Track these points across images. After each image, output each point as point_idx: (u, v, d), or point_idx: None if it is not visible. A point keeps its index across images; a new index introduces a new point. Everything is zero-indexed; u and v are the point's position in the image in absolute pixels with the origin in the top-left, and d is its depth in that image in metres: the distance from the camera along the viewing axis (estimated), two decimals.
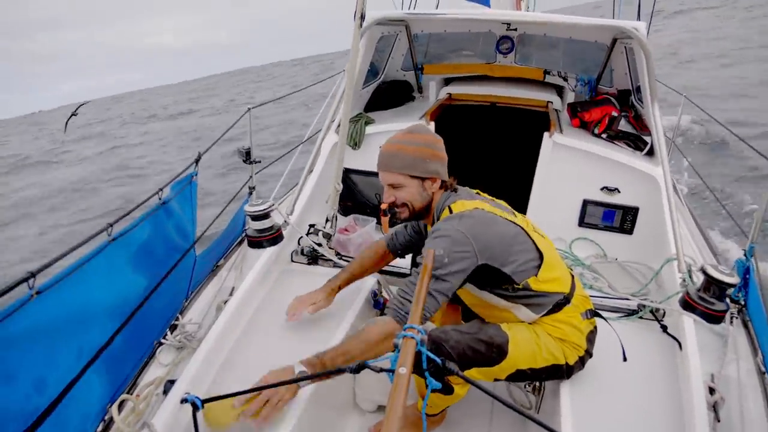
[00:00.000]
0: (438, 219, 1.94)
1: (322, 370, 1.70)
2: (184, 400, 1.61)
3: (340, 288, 2.36)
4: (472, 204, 1.86)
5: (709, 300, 2.06)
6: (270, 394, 1.70)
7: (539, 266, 1.87)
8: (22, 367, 1.54)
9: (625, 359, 2.04)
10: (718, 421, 1.95)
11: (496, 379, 1.95)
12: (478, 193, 2.06)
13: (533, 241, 1.89)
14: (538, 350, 1.90)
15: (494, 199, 2.06)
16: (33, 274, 1.48)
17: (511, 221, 1.88)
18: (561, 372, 1.97)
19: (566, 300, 1.93)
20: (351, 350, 1.73)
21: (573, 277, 2.04)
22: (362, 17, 2.53)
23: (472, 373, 1.87)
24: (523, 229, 1.89)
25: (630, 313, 2.51)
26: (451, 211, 1.87)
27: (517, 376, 1.95)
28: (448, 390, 1.97)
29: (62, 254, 1.71)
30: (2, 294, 1.35)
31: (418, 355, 1.27)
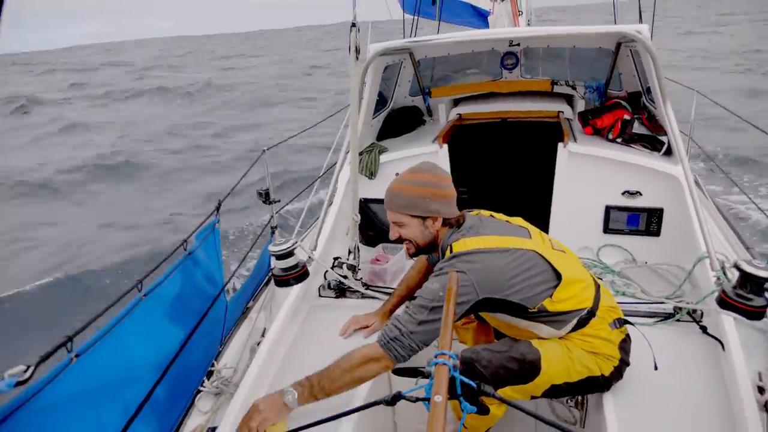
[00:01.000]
0: (443, 256, 1.98)
1: (309, 391, 1.81)
2: None
3: (391, 311, 2.50)
4: (473, 243, 1.88)
5: (747, 296, 2.02)
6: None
7: (555, 287, 1.86)
8: (61, 429, 1.56)
9: (656, 368, 1.98)
10: None
11: (533, 397, 1.94)
12: (491, 215, 2.08)
13: (549, 262, 1.88)
14: (571, 364, 1.88)
15: (509, 219, 2.07)
16: (70, 338, 1.52)
17: (519, 248, 1.87)
18: (598, 384, 1.94)
19: (591, 314, 1.91)
20: (332, 373, 1.82)
21: (599, 288, 2.01)
22: (357, 51, 2.57)
23: (507, 392, 1.87)
24: (537, 252, 1.89)
25: (667, 316, 2.45)
26: (452, 250, 1.89)
27: (554, 392, 1.92)
28: (483, 410, 1.95)
29: (96, 315, 1.74)
30: (43, 360, 1.38)
31: (452, 379, 1.27)
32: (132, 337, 1.95)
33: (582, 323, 1.90)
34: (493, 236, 1.90)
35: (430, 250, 2.09)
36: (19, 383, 1.18)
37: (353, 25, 2.46)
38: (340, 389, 1.82)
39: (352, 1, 2.42)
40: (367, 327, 2.50)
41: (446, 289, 1.72)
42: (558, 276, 1.87)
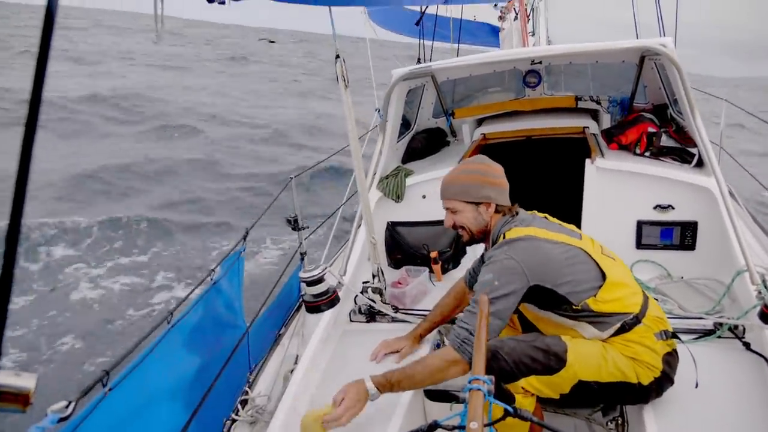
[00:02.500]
0: (494, 245, 2.04)
1: (389, 389, 1.89)
2: None
3: (422, 336, 2.54)
4: (525, 231, 1.94)
5: None
6: (342, 412, 1.85)
7: (600, 287, 1.88)
8: None
9: (697, 385, 1.93)
10: None
11: (562, 395, 1.92)
12: (546, 217, 2.13)
13: (596, 262, 1.91)
14: (604, 363, 1.87)
15: (562, 223, 2.12)
16: (107, 372, 1.55)
17: (570, 244, 1.92)
18: (634, 392, 1.91)
19: (636, 320, 1.90)
20: (415, 375, 1.88)
21: (647, 298, 2.00)
22: (345, 80, 2.62)
23: (533, 383, 1.88)
24: (585, 251, 1.93)
25: (707, 333, 2.39)
26: (504, 238, 1.96)
27: (584, 390, 1.90)
28: (507, 399, 1.92)
29: (131, 349, 1.79)
30: (82, 395, 1.41)
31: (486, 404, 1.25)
32: (160, 369, 2.00)
33: (626, 328, 1.90)
34: (544, 230, 1.96)
35: (483, 239, 2.15)
36: (61, 419, 1.21)
37: (337, 56, 2.52)
38: (422, 385, 1.88)
39: (332, 35, 2.47)
40: (398, 351, 2.49)
41: (500, 277, 1.81)
42: (603, 276, 1.89)
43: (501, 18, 7.73)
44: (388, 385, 1.89)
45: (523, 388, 1.89)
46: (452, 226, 2.17)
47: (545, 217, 2.13)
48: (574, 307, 1.88)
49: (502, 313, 1.83)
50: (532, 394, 1.92)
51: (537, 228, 1.96)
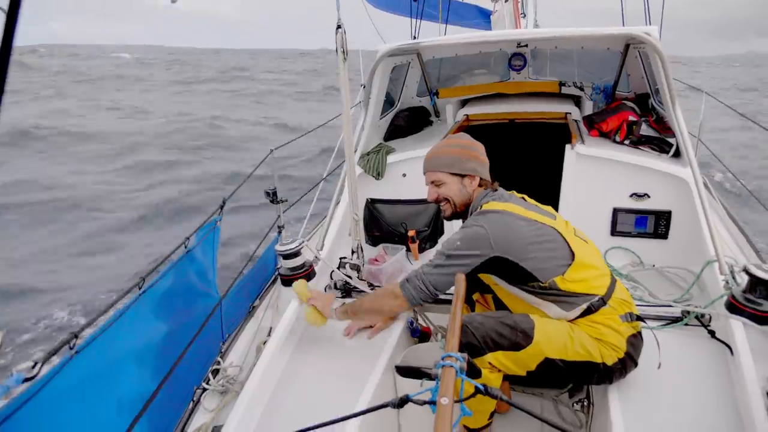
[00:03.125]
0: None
1: (343, 309, 2.25)
2: None
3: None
4: (501, 205, 2.00)
5: (756, 301, 2.01)
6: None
7: (568, 265, 1.92)
8: (66, 427, 1.57)
9: (659, 366, 1.99)
10: None
11: (528, 372, 1.96)
12: (524, 197, 2.16)
13: (567, 242, 1.95)
14: (570, 342, 1.91)
15: (539, 205, 2.15)
16: (75, 335, 1.53)
17: (542, 223, 1.96)
18: (599, 372, 1.95)
19: (602, 302, 1.94)
20: (364, 302, 2.21)
21: (615, 281, 2.04)
22: (345, 52, 2.58)
23: (500, 358, 1.92)
24: (557, 230, 1.96)
25: (674, 320, 2.44)
26: (481, 209, 2.03)
27: (550, 368, 1.94)
28: (475, 373, 1.95)
29: (100, 313, 1.77)
30: (49, 357, 1.39)
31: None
32: (130, 334, 1.99)
33: (592, 309, 1.94)
34: (521, 207, 2.00)
35: (465, 214, 2.18)
36: (26, 379, 1.19)
37: (339, 27, 2.47)
38: (366, 315, 2.29)
39: (336, 2, 2.43)
40: (371, 327, 2.51)
41: (465, 241, 1.90)
42: (572, 256, 1.93)
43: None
44: (343, 307, 2.25)
45: (490, 363, 1.92)
46: (435, 200, 2.20)
47: (523, 198, 2.16)
48: (541, 284, 1.92)
49: (452, 269, 1.92)
50: (499, 370, 1.95)
51: (513, 204, 2.01)
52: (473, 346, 1.89)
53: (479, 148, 2.20)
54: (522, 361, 1.94)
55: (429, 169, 2.20)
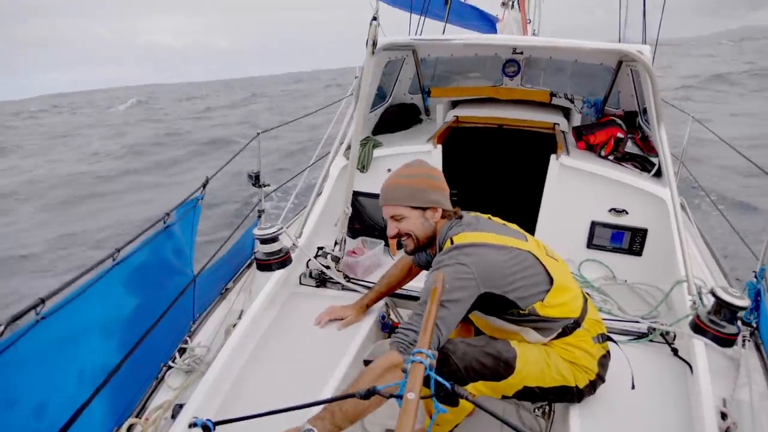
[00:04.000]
0: (441, 249, 1.96)
1: (331, 421, 1.57)
2: (192, 424, 1.61)
3: (368, 306, 2.56)
4: (473, 236, 1.88)
5: (720, 323, 2.05)
6: None
7: (547, 291, 1.87)
8: (24, 393, 1.56)
9: (633, 387, 2.01)
10: None
11: (504, 396, 1.95)
12: (489, 218, 2.08)
13: (543, 265, 1.89)
14: (548, 369, 1.90)
15: (506, 223, 2.08)
16: (42, 300, 1.51)
17: (517, 248, 1.88)
18: (571, 394, 1.96)
19: (576, 324, 1.93)
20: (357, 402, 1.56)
21: (586, 300, 2.03)
22: (374, 44, 2.57)
23: (479, 387, 1.88)
24: (533, 254, 1.90)
25: (640, 336, 2.49)
26: (452, 243, 1.88)
27: (525, 394, 1.94)
28: (453, 403, 1.95)
29: (71, 280, 1.74)
30: (13, 320, 1.37)
31: (427, 378, 1.27)
32: (99, 304, 1.96)
33: (566, 332, 1.92)
34: (492, 233, 1.91)
35: (428, 246, 2.08)
36: None
37: (374, 18, 2.46)
38: (365, 410, 1.63)
39: None
40: (342, 319, 2.51)
41: (452, 282, 1.73)
42: (551, 281, 1.88)
43: (504, 4, 7.71)
44: (328, 415, 1.58)
45: (470, 393, 1.89)
46: (396, 235, 2.07)
47: (489, 218, 2.08)
48: (521, 311, 1.86)
49: (452, 319, 1.74)
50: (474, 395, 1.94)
51: (485, 233, 1.91)
52: (455, 376, 1.82)
53: (439, 177, 2.08)
54: (500, 389, 1.91)
55: (387, 203, 2.04)
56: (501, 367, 1.87)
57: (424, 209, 2.01)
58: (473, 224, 1.97)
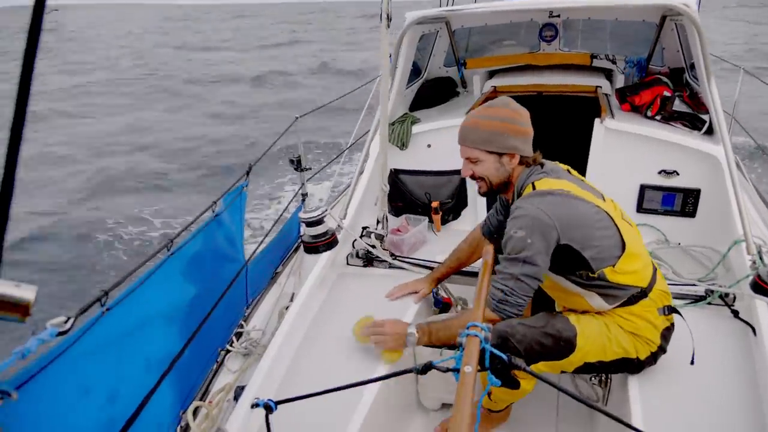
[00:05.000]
0: (520, 195, 1.92)
1: (428, 337, 1.97)
2: (255, 405, 1.67)
3: (439, 280, 2.54)
4: (558, 183, 1.83)
5: None
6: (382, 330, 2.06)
7: (619, 256, 1.81)
8: (97, 381, 1.64)
9: (692, 362, 1.93)
10: None
11: (563, 371, 1.93)
12: (568, 170, 2.02)
13: (618, 228, 1.83)
14: (608, 343, 1.86)
15: (584, 179, 2.02)
16: (106, 293, 1.58)
17: (597, 206, 1.83)
18: (631, 366, 1.92)
19: (643, 294, 1.86)
20: (452, 326, 1.92)
21: (656, 270, 1.95)
22: (389, 18, 2.54)
23: (539, 366, 1.86)
24: (609, 215, 1.83)
25: (698, 299, 2.42)
26: (534, 188, 1.84)
27: (586, 369, 1.91)
28: (514, 385, 1.95)
29: (130, 272, 1.82)
30: (81, 312, 1.44)
31: (482, 352, 1.28)
32: (158, 294, 2.05)
33: (632, 301, 1.85)
34: (575, 185, 1.86)
35: (503, 190, 2.03)
36: (60, 333, 1.24)
37: None
38: (453, 338, 1.78)
39: None
40: (416, 293, 2.50)
41: (533, 233, 1.72)
42: (623, 246, 1.81)
43: None
44: (426, 330, 1.97)
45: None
46: (471, 176, 2.01)
47: (568, 170, 2.01)
48: (590, 274, 1.80)
49: (538, 274, 1.77)
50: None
51: (568, 182, 1.85)
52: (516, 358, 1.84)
53: (523, 120, 1.94)
54: (561, 367, 1.89)
55: (464, 144, 1.97)
56: (562, 347, 1.84)
57: (500, 155, 1.92)
58: (555, 172, 1.91)
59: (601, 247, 1.78)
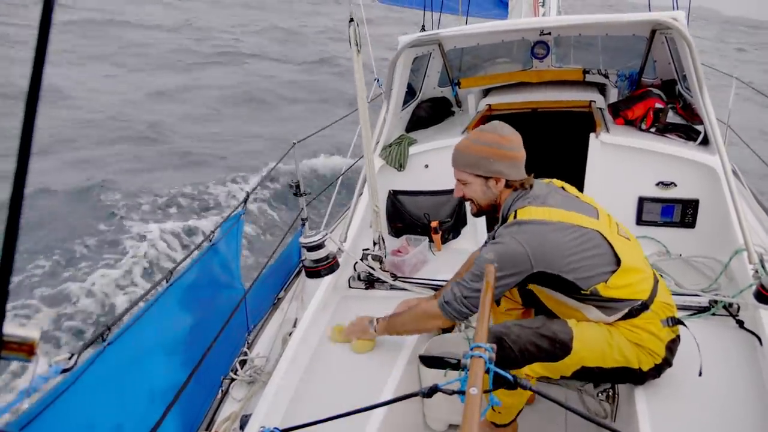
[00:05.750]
0: (505, 220, 1.98)
1: (384, 328, 2.24)
2: None
3: None
4: (539, 212, 1.86)
5: None
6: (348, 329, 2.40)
7: (613, 272, 1.82)
8: (101, 415, 1.64)
9: (700, 374, 1.92)
10: None
11: (562, 377, 1.93)
12: (563, 187, 2.06)
13: (611, 245, 1.84)
14: (609, 350, 1.86)
15: (579, 195, 2.05)
16: (108, 327, 1.59)
17: (583, 227, 1.84)
18: (633, 376, 1.91)
19: (644, 306, 1.86)
20: (398, 320, 2.22)
21: (657, 282, 1.95)
22: (358, 45, 2.58)
23: (536, 368, 1.88)
24: (600, 233, 1.85)
25: (702, 310, 2.41)
26: (515, 217, 1.89)
27: (585, 374, 1.91)
28: (511, 385, 1.94)
29: (131, 306, 1.83)
30: (84, 349, 1.44)
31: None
32: (158, 326, 2.07)
33: (633, 314, 1.86)
34: (559, 210, 1.87)
35: (492, 212, 2.09)
36: (64, 370, 1.24)
37: (351, 20, 2.48)
38: (406, 333, 2.25)
39: None
40: None
41: (501, 260, 1.78)
42: (618, 261, 1.83)
43: None
44: (383, 323, 2.25)
45: (526, 374, 1.88)
46: (462, 198, 2.11)
47: (562, 187, 2.05)
48: (582, 291, 1.84)
49: (495, 294, 1.77)
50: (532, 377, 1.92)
51: (551, 208, 1.87)
52: (510, 359, 1.84)
53: (511, 143, 1.98)
54: (558, 370, 1.90)
55: (455, 166, 2.07)
56: (557, 348, 1.86)
57: (486, 178, 1.99)
58: (541, 197, 1.94)
59: (584, 268, 1.81)
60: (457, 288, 1.93)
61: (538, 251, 1.79)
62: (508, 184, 2.00)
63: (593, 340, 1.87)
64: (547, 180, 2.08)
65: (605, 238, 1.85)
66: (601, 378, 1.95)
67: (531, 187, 2.00)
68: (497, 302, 2.30)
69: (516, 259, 1.79)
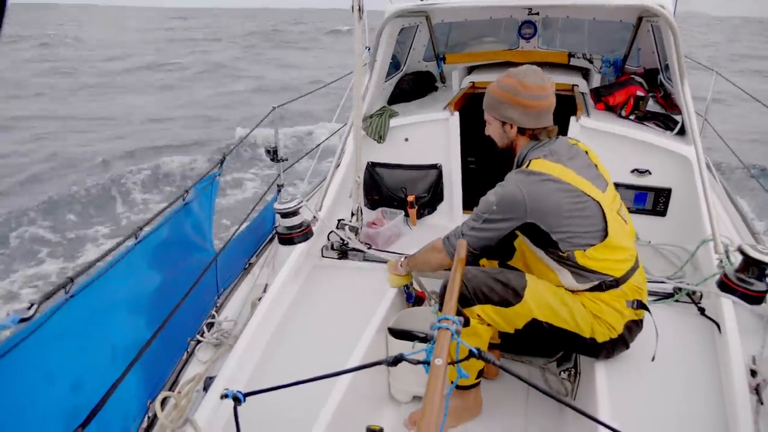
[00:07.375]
0: (519, 165, 2.02)
1: (406, 262, 2.33)
2: (224, 396, 1.65)
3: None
4: (551, 167, 1.87)
5: (748, 280, 2.02)
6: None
7: (595, 244, 1.85)
8: (60, 369, 1.61)
9: (653, 359, 1.98)
10: (761, 403, 1.91)
11: (516, 330, 1.98)
12: (587, 152, 2.07)
13: (605, 220, 1.86)
14: (560, 308, 1.92)
15: (599, 164, 2.05)
16: (71, 279, 1.55)
17: (586, 194, 1.85)
18: (586, 346, 1.97)
19: (615, 283, 1.91)
20: (421, 254, 2.25)
21: (637, 267, 1.99)
22: (360, 10, 2.54)
23: (488, 311, 1.95)
24: (600, 205, 1.86)
25: (666, 296, 2.47)
26: (528, 165, 1.92)
27: (536, 330, 1.96)
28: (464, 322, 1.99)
29: (96, 259, 1.79)
30: (44, 299, 1.41)
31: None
32: (124, 282, 2.02)
33: (603, 287, 1.91)
34: (570, 171, 1.88)
35: (507, 153, 2.12)
36: (23, 320, 1.21)
37: None
38: (424, 268, 2.29)
39: None
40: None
41: (501, 203, 1.86)
42: (605, 236, 1.86)
43: None
44: (408, 259, 2.33)
45: (478, 315, 1.96)
46: (487, 137, 2.14)
47: (586, 152, 2.06)
48: (560, 253, 1.89)
49: (488, 233, 1.92)
50: (489, 324, 1.99)
51: (564, 168, 1.87)
52: (463, 296, 1.92)
53: (532, 91, 1.92)
54: (509, 318, 1.96)
55: (483, 105, 2.11)
56: (509, 294, 1.94)
57: (502, 122, 2.02)
58: (558, 154, 1.93)
59: (572, 233, 1.85)
60: (461, 226, 2.02)
61: (536, 205, 1.82)
62: (522, 131, 2.00)
63: (545, 294, 1.94)
64: (574, 140, 2.09)
65: (603, 212, 1.86)
66: (553, 339, 1.99)
67: (557, 138, 2.02)
68: (484, 254, 2.33)
69: (513, 205, 1.84)
